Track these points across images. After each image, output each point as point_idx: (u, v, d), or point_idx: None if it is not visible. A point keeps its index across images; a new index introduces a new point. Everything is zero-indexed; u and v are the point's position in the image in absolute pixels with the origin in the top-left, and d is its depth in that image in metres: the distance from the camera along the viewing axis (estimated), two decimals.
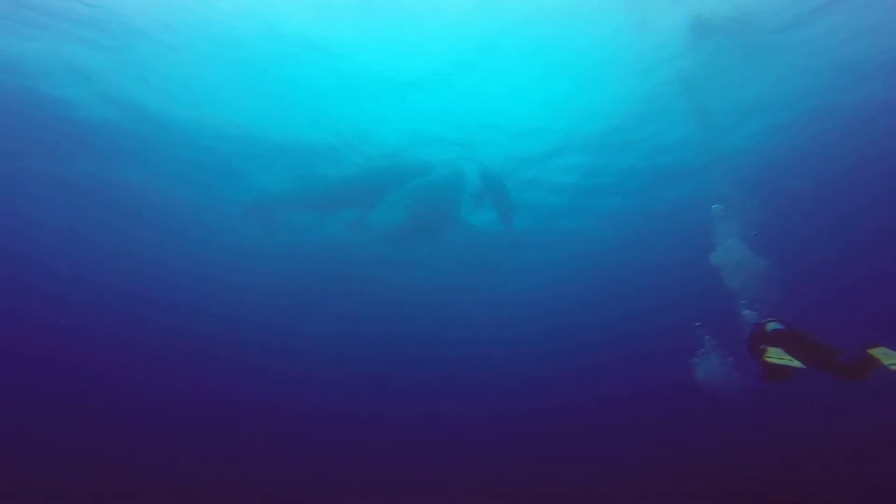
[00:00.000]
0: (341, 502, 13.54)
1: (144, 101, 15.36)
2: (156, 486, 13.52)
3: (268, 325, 25.00)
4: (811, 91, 14.39)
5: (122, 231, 21.39)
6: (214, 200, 20.13)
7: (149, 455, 15.85)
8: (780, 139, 15.95)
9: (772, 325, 6.49)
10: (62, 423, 18.11)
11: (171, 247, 22.63)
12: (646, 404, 21.95)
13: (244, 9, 12.83)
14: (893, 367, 5.33)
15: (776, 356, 5.76)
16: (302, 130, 16.50)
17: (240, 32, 13.40)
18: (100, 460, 14.96)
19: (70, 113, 15.66)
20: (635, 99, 14.96)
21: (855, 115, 15.18)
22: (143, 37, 13.25)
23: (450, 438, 18.94)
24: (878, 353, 5.56)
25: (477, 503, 13.21)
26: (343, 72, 14.65)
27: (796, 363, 5.68)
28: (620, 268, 23.58)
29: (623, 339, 25.79)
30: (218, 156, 17.77)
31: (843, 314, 21.36)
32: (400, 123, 16.13)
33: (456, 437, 19.16)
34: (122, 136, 16.68)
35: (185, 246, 22.61)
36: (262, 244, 21.33)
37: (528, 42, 13.91)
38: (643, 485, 12.95)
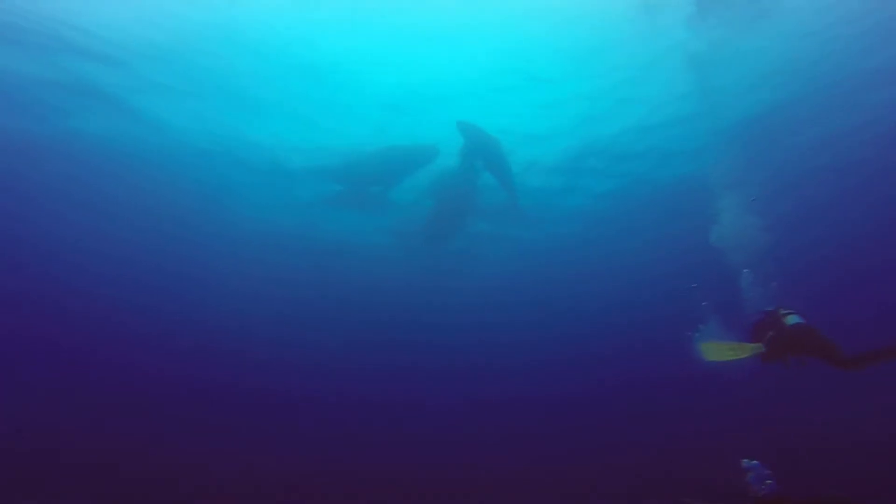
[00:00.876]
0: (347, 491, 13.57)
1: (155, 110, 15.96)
2: (165, 478, 13.51)
3: (287, 318, 25.18)
4: (819, 57, 13.79)
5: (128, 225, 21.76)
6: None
7: (159, 447, 15.96)
8: (787, 111, 15.32)
9: (792, 318, 6.21)
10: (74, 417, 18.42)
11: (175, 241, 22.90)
12: (644, 397, 21.47)
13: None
14: None
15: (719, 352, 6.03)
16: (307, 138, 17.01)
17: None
18: (105, 453, 15.06)
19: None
20: (642, 81, 14.68)
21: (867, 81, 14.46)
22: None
23: (446, 430, 18.77)
24: None
25: (473, 494, 13.00)
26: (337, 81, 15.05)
27: (734, 356, 5.89)
28: (624, 256, 22.98)
29: (624, 329, 25.23)
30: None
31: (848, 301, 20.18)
32: (402, 127, 16.30)
33: (454, 427, 19.00)
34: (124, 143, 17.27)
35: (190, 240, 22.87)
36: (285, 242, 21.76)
37: (532, 33, 13.83)
38: (637, 482, 12.51)
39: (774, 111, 15.04)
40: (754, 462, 8.03)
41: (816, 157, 16.62)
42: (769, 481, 7.79)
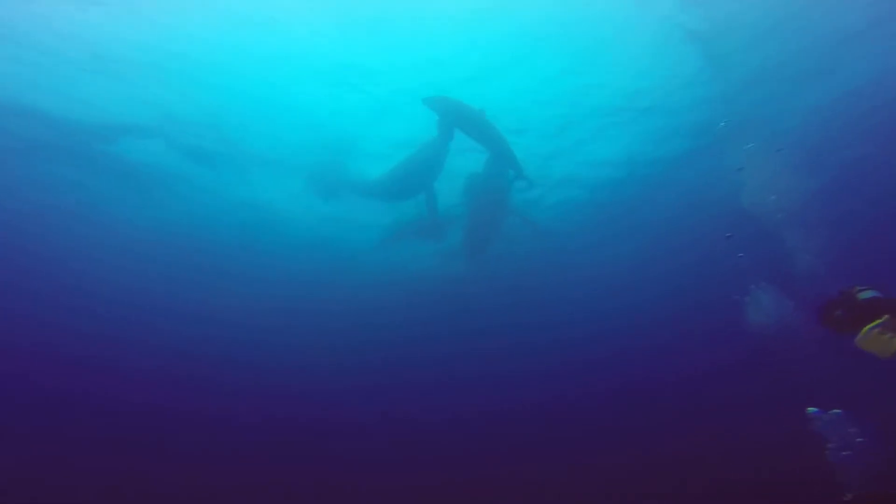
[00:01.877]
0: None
1: None
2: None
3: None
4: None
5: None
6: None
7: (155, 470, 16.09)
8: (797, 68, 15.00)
9: (867, 293, 5.77)
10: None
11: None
12: (645, 398, 20.90)
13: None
14: None
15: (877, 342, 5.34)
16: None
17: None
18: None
19: None
20: (648, 67, 14.69)
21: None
22: None
23: (454, 436, 18.88)
24: None
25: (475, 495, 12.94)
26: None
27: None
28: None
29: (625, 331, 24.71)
30: None
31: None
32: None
33: (465, 433, 19.16)
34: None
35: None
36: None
37: (530, 23, 13.61)
38: (646, 483, 12.28)
39: (784, 69, 14.82)
40: (836, 412, 6.96)
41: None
42: (860, 439, 6.88)
